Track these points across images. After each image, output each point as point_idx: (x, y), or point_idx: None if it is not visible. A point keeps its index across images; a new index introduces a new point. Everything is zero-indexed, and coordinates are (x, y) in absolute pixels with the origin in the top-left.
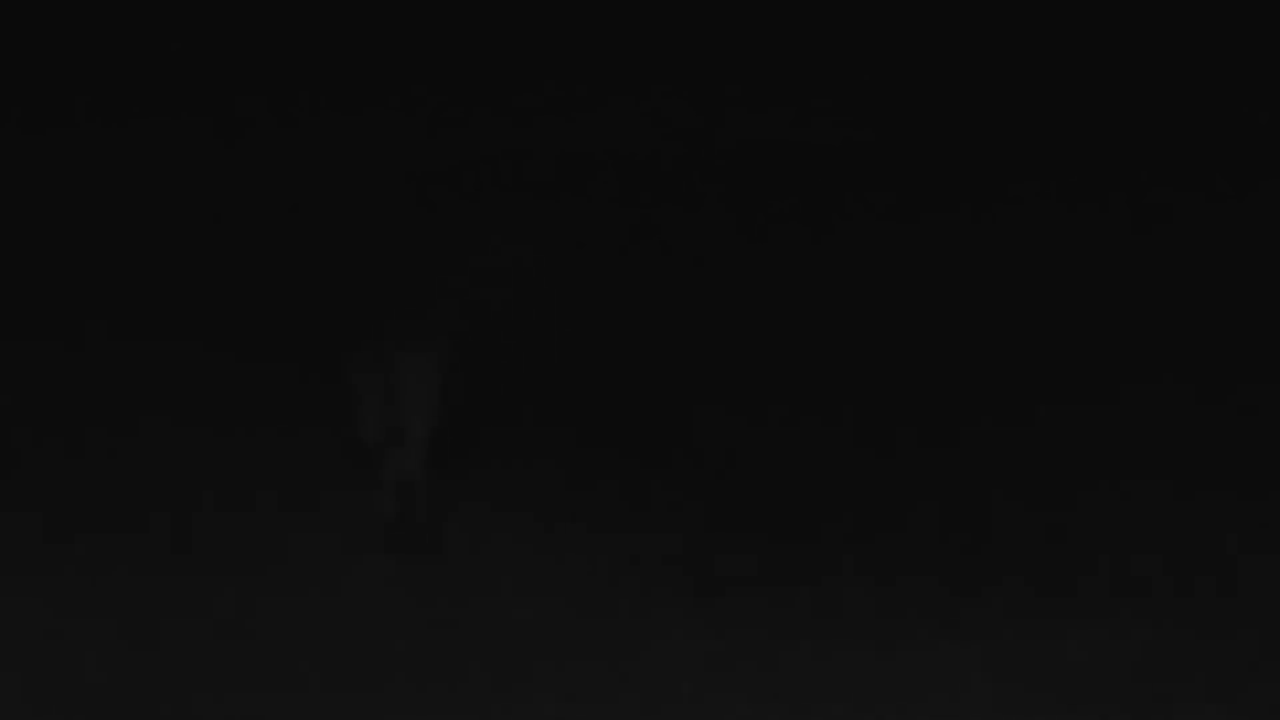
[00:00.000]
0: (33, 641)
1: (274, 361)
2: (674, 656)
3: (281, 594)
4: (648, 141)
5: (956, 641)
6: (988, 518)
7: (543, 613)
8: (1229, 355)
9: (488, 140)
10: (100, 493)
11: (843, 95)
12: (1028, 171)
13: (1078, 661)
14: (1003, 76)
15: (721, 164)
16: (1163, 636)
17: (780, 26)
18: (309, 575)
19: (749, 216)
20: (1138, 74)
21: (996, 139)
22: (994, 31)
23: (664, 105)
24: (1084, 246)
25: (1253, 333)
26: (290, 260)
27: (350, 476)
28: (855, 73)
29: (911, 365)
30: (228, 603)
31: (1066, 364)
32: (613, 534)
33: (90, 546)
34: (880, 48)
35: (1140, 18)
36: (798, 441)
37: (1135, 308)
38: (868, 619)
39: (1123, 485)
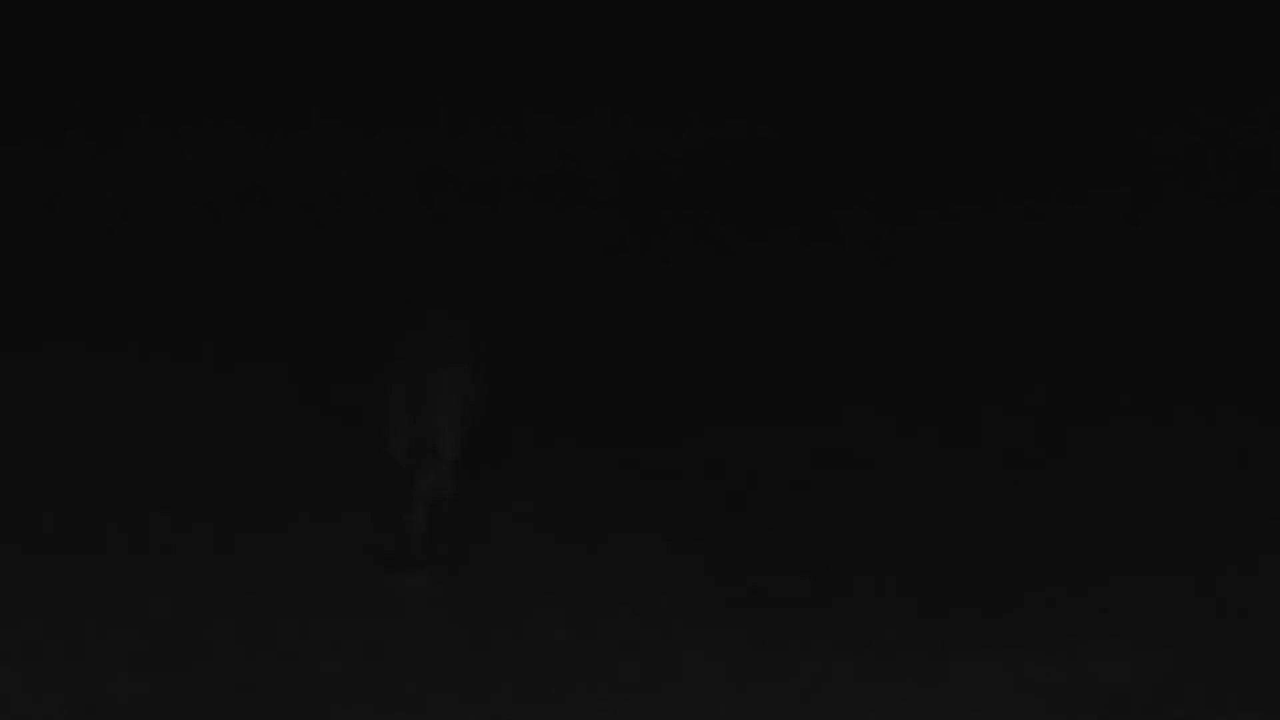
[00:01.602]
0: (63, 656)
1: (304, 379)
2: (704, 670)
3: (312, 610)
4: (648, 145)
5: (985, 660)
6: (1017, 539)
7: (573, 628)
8: (1258, 372)
9: (493, 147)
10: (130, 509)
11: (838, 99)
12: (1026, 174)
13: (1106, 681)
14: (999, 81)
15: (720, 166)
16: (1191, 657)
17: (780, 29)
18: (340, 591)
19: (753, 219)
20: (1136, 78)
21: (994, 141)
22: (989, 37)
23: (658, 111)
24: (1090, 250)
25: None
26: (317, 278)
27: (380, 493)
28: (851, 77)
29: (936, 382)
30: (258, 618)
31: (1094, 385)
32: (643, 549)
33: (118, 563)
34: (879, 52)
35: (1135, 24)
36: (822, 458)
37: (1157, 325)
38: (896, 636)
39: (1151, 506)
